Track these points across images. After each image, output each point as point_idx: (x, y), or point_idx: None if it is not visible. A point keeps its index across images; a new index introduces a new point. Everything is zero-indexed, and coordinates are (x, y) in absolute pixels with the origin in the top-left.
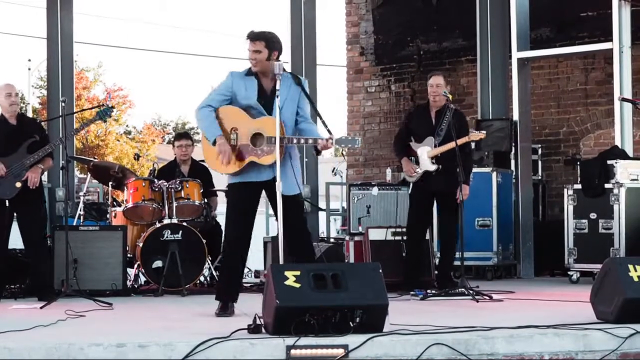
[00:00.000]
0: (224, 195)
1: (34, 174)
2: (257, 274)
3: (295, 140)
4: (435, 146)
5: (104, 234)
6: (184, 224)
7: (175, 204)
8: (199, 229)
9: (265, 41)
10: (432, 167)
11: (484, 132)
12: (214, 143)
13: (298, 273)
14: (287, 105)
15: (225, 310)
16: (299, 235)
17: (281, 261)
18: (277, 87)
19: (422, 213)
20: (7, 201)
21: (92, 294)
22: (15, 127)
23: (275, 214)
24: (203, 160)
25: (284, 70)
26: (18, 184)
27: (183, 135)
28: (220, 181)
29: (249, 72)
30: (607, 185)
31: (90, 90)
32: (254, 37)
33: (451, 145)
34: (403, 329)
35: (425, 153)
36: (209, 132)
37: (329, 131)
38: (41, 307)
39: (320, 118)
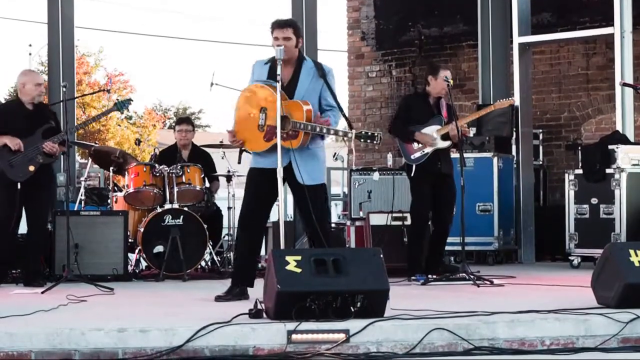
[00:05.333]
0: (225, 180)
1: (53, 144)
2: (258, 259)
3: (318, 129)
4: (444, 124)
5: (105, 219)
6: (185, 209)
7: (176, 189)
8: (200, 214)
9: (293, 28)
10: (445, 144)
11: (513, 98)
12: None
13: (299, 258)
14: (307, 96)
15: (227, 294)
16: (315, 229)
17: (282, 246)
18: (278, 72)
19: (428, 196)
20: (19, 184)
21: (93, 279)
22: (32, 112)
23: (294, 200)
24: (205, 146)
25: (306, 58)
26: (31, 168)
27: (184, 120)
28: (222, 166)
29: (268, 61)
30: (608, 170)
31: (91, 75)
32: (284, 24)
33: (475, 115)
34: (404, 313)
35: (435, 132)
36: None
37: (350, 125)
38: (42, 292)
39: (341, 111)
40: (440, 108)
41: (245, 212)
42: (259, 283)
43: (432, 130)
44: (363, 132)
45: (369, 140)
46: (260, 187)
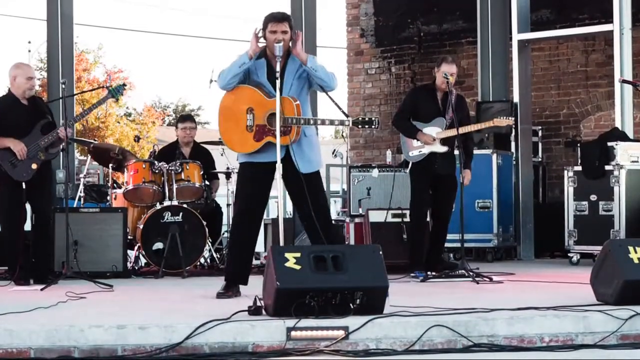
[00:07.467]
0: (225, 177)
1: (62, 130)
2: (257, 256)
3: (312, 121)
4: (446, 127)
5: (105, 216)
6: (185, 206)
7: (175, 186)
8: (199, 211)
9: (289, 22)
10: (442, 149)
11: (512, 118)
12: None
13: (298, 255)
14: (296, 84)
15: (227, 291)
16: (316, 215)
17: (281, 243)
18: (277, 69)
19: (425, 194)
20: (23, 184)
21: (93, 275)
22: (28, 108)
23: (289, 193)
24: (205, 143)
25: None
26: (34, 166)
27: (187, 117)
28: (221, 163)
29: (260, 55)
30: (607, 167)
31: (91, 72)
32: (281, 18)
33: (474, 127)
34: (403, 310)
35: (434, 134)
36: (239, 59)
37: (344, 114)
38: (42, 289)
39: (333, 101)
40: (447, 104)
41: (244, 207)
42: (257, 280)
43: (432, 132)
44: (360, 118)
45: (367, 126)
46: (257, 181)
